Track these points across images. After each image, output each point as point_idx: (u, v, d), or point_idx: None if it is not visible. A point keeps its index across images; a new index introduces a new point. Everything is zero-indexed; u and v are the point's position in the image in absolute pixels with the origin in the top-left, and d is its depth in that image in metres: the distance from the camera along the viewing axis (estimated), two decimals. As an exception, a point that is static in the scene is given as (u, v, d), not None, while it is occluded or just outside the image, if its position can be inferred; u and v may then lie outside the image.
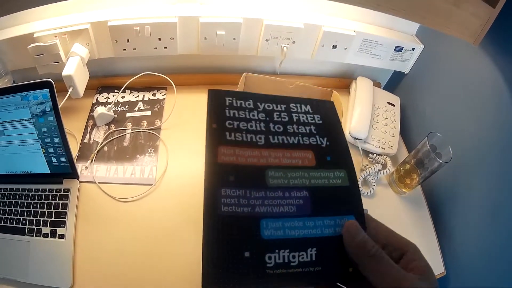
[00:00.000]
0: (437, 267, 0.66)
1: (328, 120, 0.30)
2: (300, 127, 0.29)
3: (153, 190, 0.68)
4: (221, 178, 0.24)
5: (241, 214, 0.23)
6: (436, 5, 0.57)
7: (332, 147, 0.29)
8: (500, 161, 0.60)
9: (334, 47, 0.74)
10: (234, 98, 0.29)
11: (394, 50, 0.77)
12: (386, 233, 0.27)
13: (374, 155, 0.75)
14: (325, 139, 0.29)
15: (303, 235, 0.24)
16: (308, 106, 0.31)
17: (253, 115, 0.29)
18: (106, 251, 0.62)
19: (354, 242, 0.24)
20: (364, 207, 0.27)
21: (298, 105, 0.30)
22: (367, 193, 0.70)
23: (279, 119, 0.29)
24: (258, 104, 0.29)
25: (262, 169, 0.26)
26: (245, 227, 0.23)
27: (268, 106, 0.29)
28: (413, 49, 0.78)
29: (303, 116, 0.30)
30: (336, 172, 0.27)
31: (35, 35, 0.68)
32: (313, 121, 0.30)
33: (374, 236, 0.25)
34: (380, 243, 0.25)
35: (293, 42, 0.72)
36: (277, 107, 0.30)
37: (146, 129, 0.76)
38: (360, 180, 0.72)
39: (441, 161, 0.63)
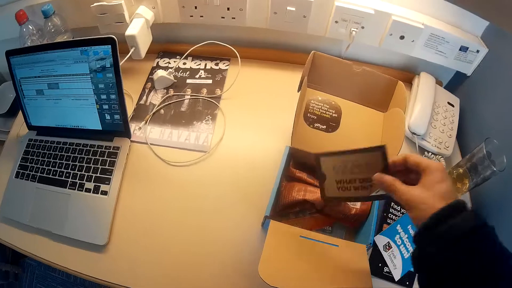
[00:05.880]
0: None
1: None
2: None
3: (206, 158, 0.67)
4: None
5: None
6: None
7: None
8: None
9: (402, 37, 0.72)
10: None
11: (459, 50, 0.75)
12: (413, 161, 0.42)
13: (429, 153, 0.72)
14: None
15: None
16: None
17: None
18: (148, 213, 0.61)
19: (382, 186, 0.43)
20: None
21: None
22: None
23: None
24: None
25: None
26: None
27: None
28: (477, 51, 0.75)
29: None
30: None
31: (99, -6, 0.68)
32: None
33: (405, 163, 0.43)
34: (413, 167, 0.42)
35: (362, 27, 0.70)
36: None
37: (206, 97, 0.75)
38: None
39: (495, 169, 0.60)
